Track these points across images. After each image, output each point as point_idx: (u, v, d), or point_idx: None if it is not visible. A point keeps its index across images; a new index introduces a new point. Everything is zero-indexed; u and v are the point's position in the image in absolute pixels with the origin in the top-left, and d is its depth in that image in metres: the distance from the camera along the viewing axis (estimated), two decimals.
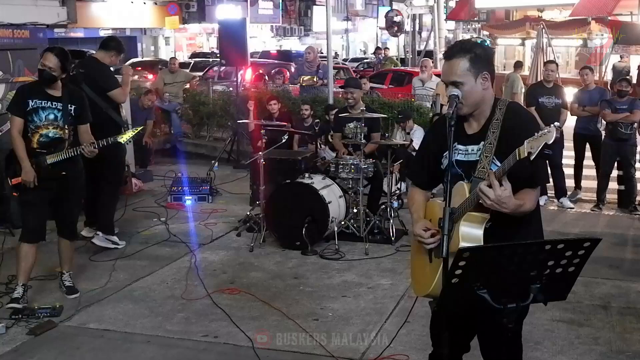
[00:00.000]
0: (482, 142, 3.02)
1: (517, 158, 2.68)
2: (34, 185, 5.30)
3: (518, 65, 16.16)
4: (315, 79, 11.95)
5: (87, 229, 7.36)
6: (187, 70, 18.85)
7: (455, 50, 3.05)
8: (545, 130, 2.61)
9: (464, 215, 2.88)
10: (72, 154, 5.37)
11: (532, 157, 2.61)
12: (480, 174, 2.93)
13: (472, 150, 3.06)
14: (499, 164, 2.91)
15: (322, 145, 8.76)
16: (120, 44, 7.23)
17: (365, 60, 33.41)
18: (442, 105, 10.61)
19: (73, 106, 5.47)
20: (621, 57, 17.85)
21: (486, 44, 23.75)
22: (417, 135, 9.07)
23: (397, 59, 28.29)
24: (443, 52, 3.17)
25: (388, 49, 28.73)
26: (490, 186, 2.76)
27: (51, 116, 5.40)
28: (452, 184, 2.94)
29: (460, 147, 3.08)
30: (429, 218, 3.15)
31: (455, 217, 2.87)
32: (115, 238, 7.13)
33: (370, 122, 7.67)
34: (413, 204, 3.29)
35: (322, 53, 17.61)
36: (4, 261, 6.08)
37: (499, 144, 2.95)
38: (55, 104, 5.41)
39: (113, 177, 7.17)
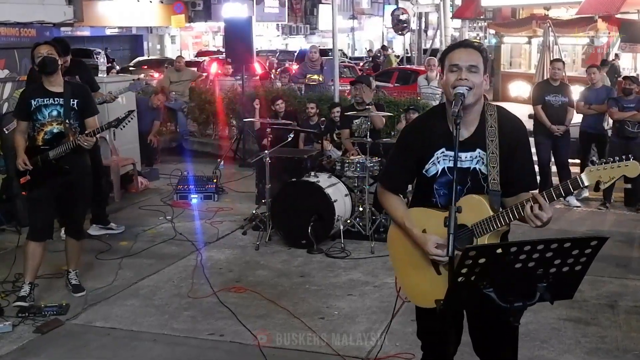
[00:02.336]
0: (479, 150, 2.99)
1: (581, 186, 2.70)
2: (25, 166, 5.35)
3: (604, 64, 15.71)
4: (321, 78, 11.97)
5: (94, 227, 7.47)
6: (194, 69, 18.86)
7: (472, 43, 3.12)
8: (624, 163, 2.61)
9: (490, 231, 2.87)
10: (72, 145, 5.34)
11: (602, 187, 2.64)
12: (494, 187, 2.92)
13: (466, 157, 3.02)
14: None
15: (330, 145, 8.77)
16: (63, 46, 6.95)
17: (369, 58, 33.38)
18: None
19: (75, 100, 5.46)
20: (616, 55, 17.79)
21: (493, 42, 23.73)
22: None
23: (397, 57, 28.27)
24: (457, 43, 3.17)
25: (386, 47, 28.71)
26: (540, 208, 2.74)
27: (54, 113, 5.42)
28: (444, 190, 2.97)
29: (451, 153, 3.00)
30: (421, 228, 3.06)
31: (475, 232, 2.88)
32: (111, 225, 7.57)
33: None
34: (401, 216, 3.13)
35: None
36: (12, 259, 6.09)
37: (501, 152, 2.95)
38: (57, 100, 5.42)
39: (97, 170, 7.35)
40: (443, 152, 3.03)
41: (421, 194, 3.17)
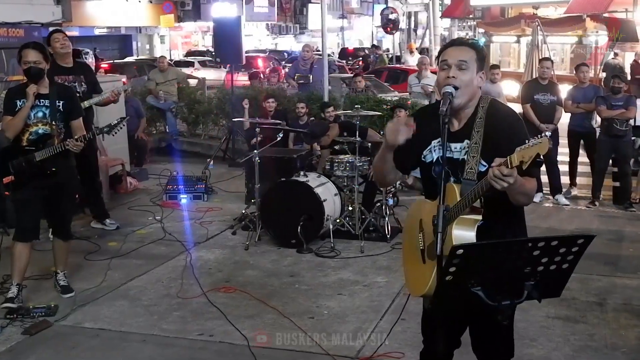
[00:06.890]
0: (467, 141, 2.99)
1: (509, 167, 2.62)
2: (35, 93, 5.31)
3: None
4: (310, 78, 11.96)
5: (95, 222, 7.76)
6: (178, 69, 18.77)
7: (465, 41, 3.18)
8: (538, 141, 2.55)
9: (456, 218, 2.85)
10: (59, 149, 5.29)
11: (524, 167, 2.58)
12: (469, 176, 2.91)
13: (456, 148, 3.03)
14: (485, 164, 2.90)
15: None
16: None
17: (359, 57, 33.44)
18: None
19: (61, 102, 5.43)
20: (615, 54, 17.86)
21: (482, 41, 23.80)
22: None
23: (388, 56, 28.33)
24: (451, 40, 3.21)
25: (378, 46, 28.79)
26: (503, 172, 2.65)
27: (40, 114, 5.39)
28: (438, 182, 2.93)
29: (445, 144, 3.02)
30: (418, 218, 3.11)
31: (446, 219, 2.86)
32: (107, 221, 7.75)
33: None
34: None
35: (318, 51, 17.67)
36: (0, 260, 6.05)
37: (485, 144, 2.94)
38: (42, 102, 5.39)
39: (90, 168, 7.44)
40: (439, 141, 3.04)
41: (426, 186, 3.22)
